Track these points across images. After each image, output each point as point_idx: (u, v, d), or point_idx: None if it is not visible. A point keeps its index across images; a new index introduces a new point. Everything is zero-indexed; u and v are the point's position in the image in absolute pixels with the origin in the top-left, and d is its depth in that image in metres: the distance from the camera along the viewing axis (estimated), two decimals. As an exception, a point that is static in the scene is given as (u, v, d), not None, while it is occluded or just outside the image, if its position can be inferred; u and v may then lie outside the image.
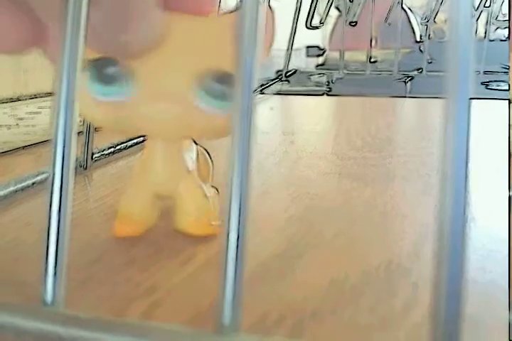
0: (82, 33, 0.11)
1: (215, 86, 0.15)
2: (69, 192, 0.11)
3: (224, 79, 0.15)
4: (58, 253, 0.11)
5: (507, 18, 0.69)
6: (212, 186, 0.20)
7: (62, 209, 0.11)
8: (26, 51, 0.14)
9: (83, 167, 0.27)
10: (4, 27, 0.14)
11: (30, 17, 0.14)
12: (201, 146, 0.21)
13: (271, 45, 0.16)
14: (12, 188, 0.23)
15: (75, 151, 0.12)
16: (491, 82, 0.63)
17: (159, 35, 0.15)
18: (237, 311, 0.10)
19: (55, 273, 0.11)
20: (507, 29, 0.71)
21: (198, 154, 0.20)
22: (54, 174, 0.11)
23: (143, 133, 0.17)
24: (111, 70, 0.15)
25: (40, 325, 0.11)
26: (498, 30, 0.74)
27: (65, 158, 0.11)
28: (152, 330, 0.11)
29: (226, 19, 0.16)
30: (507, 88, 0.59)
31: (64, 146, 0.11)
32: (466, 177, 0.10)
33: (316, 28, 0.64)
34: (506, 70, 0.64)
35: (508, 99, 0.38)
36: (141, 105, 0.15)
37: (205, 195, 0.19)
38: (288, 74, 0.64)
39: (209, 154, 0.22)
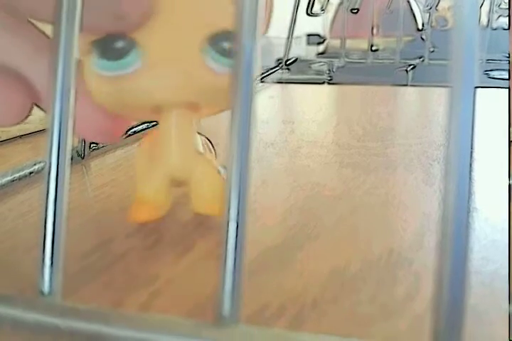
0: (77, 21, 0.11)
1: (226, 44, 0.15)
2: (65, 182, 0.11)
3: (232, 38, 0.15)
4: (55, 243, 0.11)
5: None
6: None
7: (58, 198, 0.11)
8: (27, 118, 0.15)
9: (81, 156, 0.27)
10: (5, 103, 0.14)
11: (24, 84, 0.14)
12: (203, 135, 0.21)
13: (269, 19, 0.16)
14: (9, 178, 0.23)
15: (71, 140, 0.11)
16: (493, 70, 0.62)
17: (156, 1, 0.15)
18: (237, 302, 0.10)
19: (52, 264, 0.11)
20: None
21: (202, 144, 0.20)
22: (50, 163, 0.11)
23: (154, 104, 0.16)
24: (118, 45, 0.15)
25: (38, 316, 0.11)
26: (501, 18, 0.73)
27: (60, 148, 0.11)
28: (151, 322, 0.10)
29: None
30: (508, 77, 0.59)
31: (60, 135, 0.11)
32: (471, 166, 0.10)
33: (317, 15, 0.64)
34: (508, 59, 0.64)
35: (509, 88, 0.37)
36: (152, 72, 0.15)
37: (222, 176, 0.18)
38: (288, 62, 0.63)
39: (212, 143, 0.21)
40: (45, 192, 0.11)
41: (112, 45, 0.15)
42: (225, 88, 0.16)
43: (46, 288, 0.11)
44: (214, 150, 0.22)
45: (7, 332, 0.11)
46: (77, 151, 0.27)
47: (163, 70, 0.15)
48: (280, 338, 0.10)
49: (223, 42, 0.15)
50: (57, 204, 0.11)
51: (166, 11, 0.15)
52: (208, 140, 0.21)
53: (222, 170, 0.18)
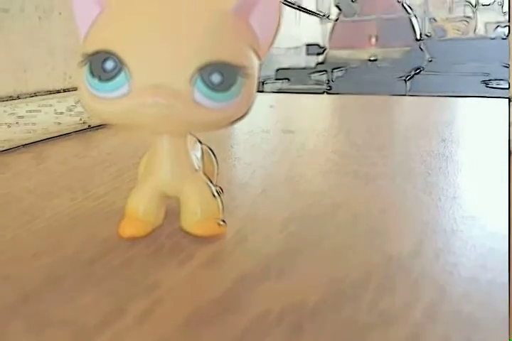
0: None
1: (215, 78, 0.15)
2: None
3: (223, 70, 0.15)
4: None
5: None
6: (217, 185, 0.20)
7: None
8: None
9: (83, 165, 0.27)
10: None
11: None
12: (206, 145, 0.21)
13: (274, 39, 0.16)
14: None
15: None
16: (491, 80, 0.63)
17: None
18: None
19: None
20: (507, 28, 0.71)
21: (202, 153, 0.20)
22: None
23: (142, 129, 0.16)
24: (109, 66, 0.15)
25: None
26: (499, 28, 0.74)
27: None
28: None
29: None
30: (507, 86, 0.59)
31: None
32: None
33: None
34: (507, 68, 0.64)
35: (508, 98, 0.38)
36: (137, 101, 0.15)
37: (213, 194, 0.18)
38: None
39: (214, 153, 0.22)
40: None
41: (102, 65, 0.15)
42: (212, 121, 0.16)
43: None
44: (215, 158, 0.22)
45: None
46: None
47: (148, 101, 0.14)
48: None
49: (212, 76, 0.14)
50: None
51: (158, 32, 0.15)
52: (210, 149, 0.22)
53: (212, 187, 0.19)
